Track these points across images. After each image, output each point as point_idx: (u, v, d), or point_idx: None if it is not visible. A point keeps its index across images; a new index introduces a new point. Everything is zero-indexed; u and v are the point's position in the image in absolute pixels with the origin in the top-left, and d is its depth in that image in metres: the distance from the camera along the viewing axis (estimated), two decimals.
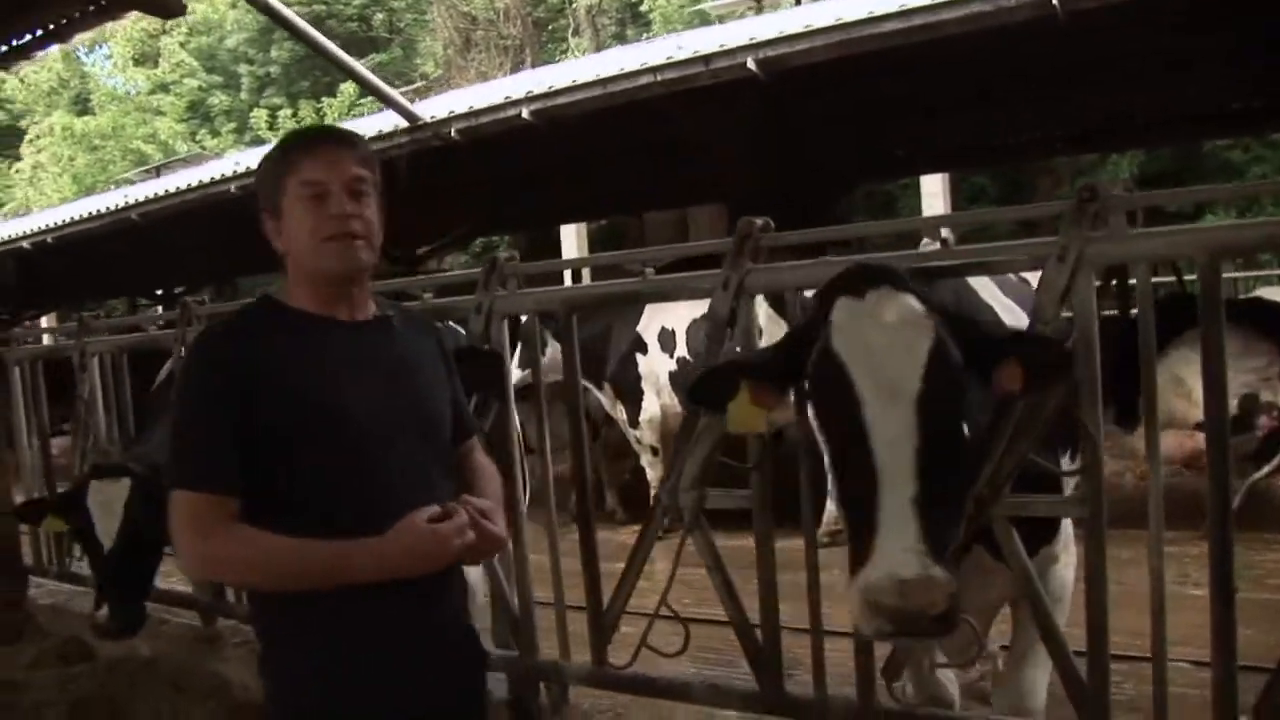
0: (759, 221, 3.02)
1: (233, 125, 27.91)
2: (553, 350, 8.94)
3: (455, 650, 2.40)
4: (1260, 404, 7.64)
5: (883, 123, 8.99)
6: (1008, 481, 2.72)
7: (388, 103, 8.97)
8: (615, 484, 9.47)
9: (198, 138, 27.67)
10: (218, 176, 10.76)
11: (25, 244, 13.35)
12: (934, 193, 14.98)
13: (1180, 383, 7.84)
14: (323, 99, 25.97)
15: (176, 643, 5.28)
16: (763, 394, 2.58)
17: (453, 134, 8.73)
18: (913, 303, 2.35)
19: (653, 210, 13.95)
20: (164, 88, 29.59)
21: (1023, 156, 11.74)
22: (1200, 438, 7.80)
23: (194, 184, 11.01)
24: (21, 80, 30.91)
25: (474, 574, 3.99)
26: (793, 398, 2.64)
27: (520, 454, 3.78)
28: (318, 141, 2.34)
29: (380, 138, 9.33)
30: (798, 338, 2.56)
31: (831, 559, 3.03)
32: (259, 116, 26.04)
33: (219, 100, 28.94)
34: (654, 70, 7.71)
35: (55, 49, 29.12)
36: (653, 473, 7.99)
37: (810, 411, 2.50)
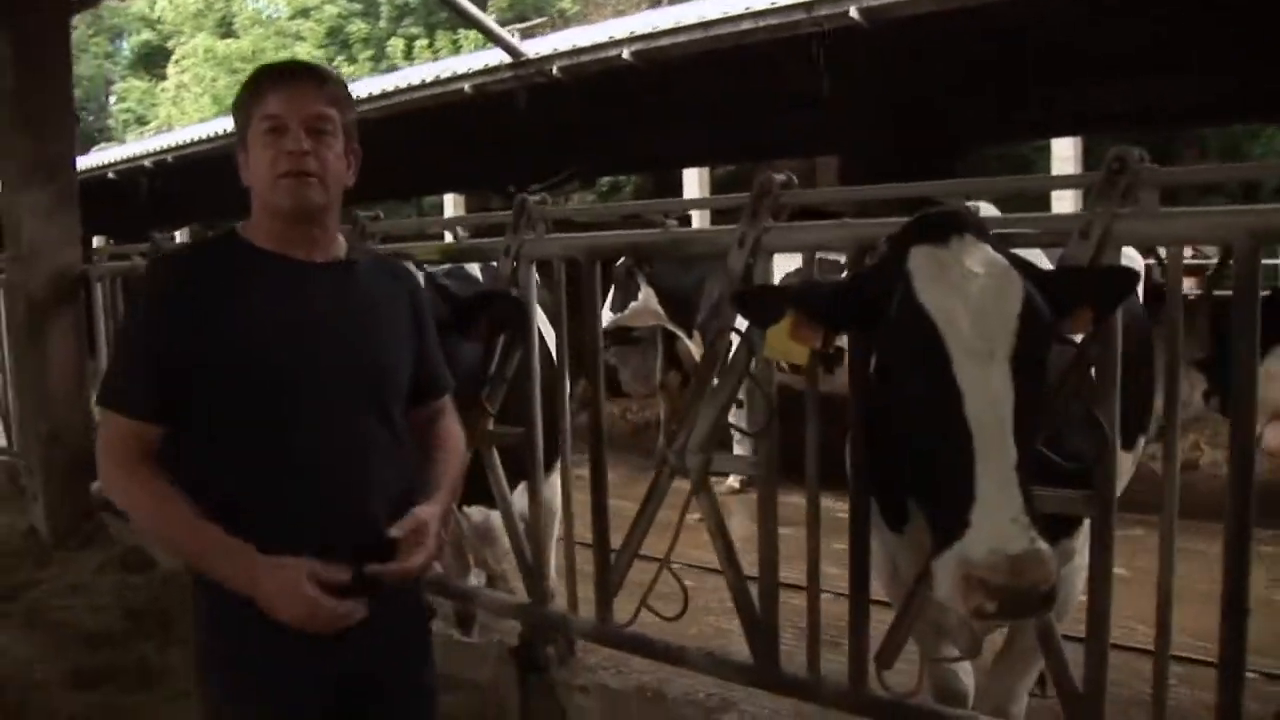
0: (779, 177, 2.88)
1: (370, 53, 28.25)
2: (645, 295, 9.00)
3: (393, 616, 2.33)
4: None
5: (997, 81, 8.59)
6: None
7: (491, 37, 8.96)
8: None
9: (335, 64, 28.10)
10: None
11: (147, 163, 13.71)
12: (1065, 157, 14.39)
13: None
14: (459, 30, 26.09)
15: None
16: (805, 329, 2.41)
17: (554, 71, 8.66)
18: (993, 252, 2.22)
19: (764, 159, 13.69)
20: (304, 13, 30.07)
21: (1162, 125, 11.11)
22: None
23: None
24: (171, 1, 31.82)
25: (496, 519, 3.97)
26: (846, 345, 2.54)
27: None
28: (284, 76, 2.28)
29: (485, 71, 9.33)
30: (860, 283, 2.43)
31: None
32: (395, 45, 26.35)
33: (357, 28, 29.29)
34: (755, 15, 7.51)
35: None
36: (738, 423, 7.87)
37: (882, 365, 2.38)
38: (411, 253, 3.65)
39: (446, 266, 4.12)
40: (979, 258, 2.18)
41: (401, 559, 2.22)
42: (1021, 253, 2.73)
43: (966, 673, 3.37)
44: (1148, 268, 9.15)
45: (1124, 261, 3.54)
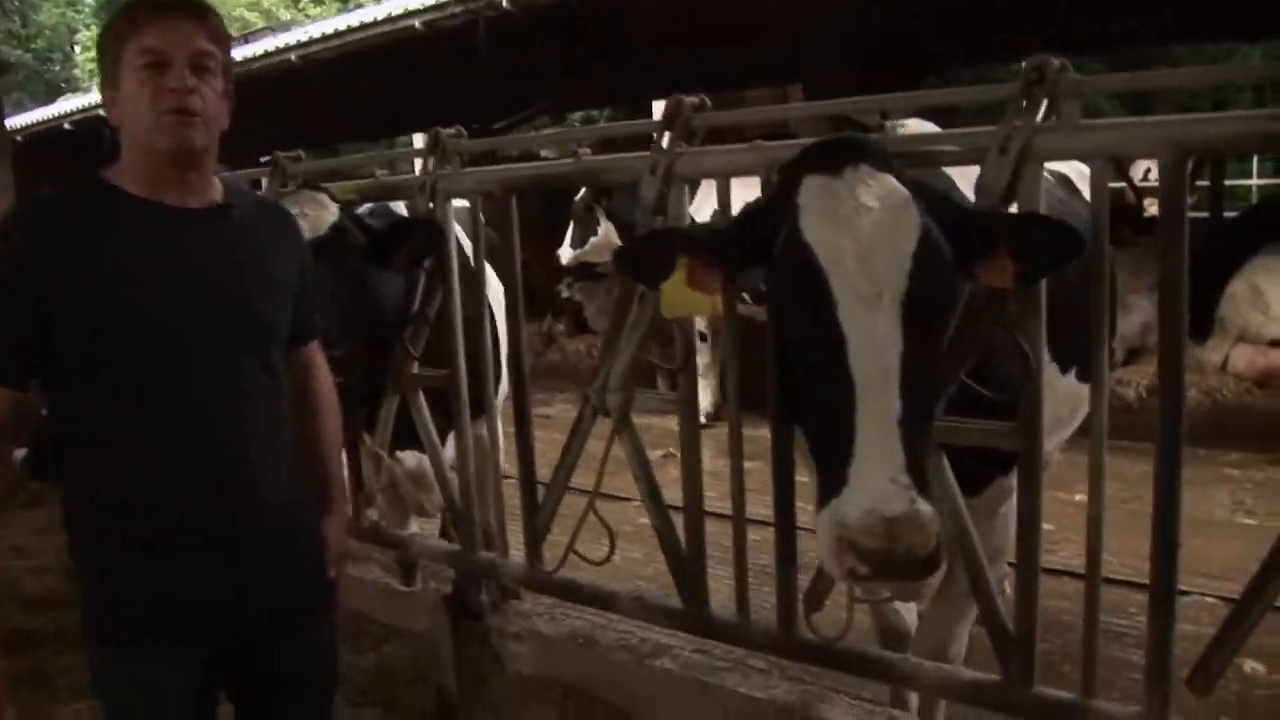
0: (691, 100, 2.72)
1: None
2: (605, 229, 8.87)
3: (264, 549, 2.26)
4: None
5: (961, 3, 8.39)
6: (940, 400, 2.41)
7: None
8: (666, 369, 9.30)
9: (300, 5, 27.62)
10: (281, 45, 10.67)
11: (102, 112, 13.34)
12: None
13: (1258, 293, 7.36)
14: None
15: None
16: (702, 276, 2.25)
17: (505, 4, 8.43)
18: (894, 183, 2.02)
19: (728, 90, 13.50)
20: None
21: (1135, 44, 10.82)
22: (1274, 355, 7.32)
23: (257, 53, 10.91)
24: None
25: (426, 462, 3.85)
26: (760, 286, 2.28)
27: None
28: (163, 8, 2.13)
29: (435, 7, 9.11)
30: (756, 216, 2.22)
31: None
32: None
33: None
34: None
35: None
36: (699, 359, 7.73)
37: (771, 306, 2.18)
38: (329, 190, 3.49)
39: (369, 206, 3.97)
40: (875, 190, 1.99)
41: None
42: (957, 173, 2.59)
43: (909, 610, 3.29)
44: (1118, 191, 9.07)
45: (1072, 176, 3.40)
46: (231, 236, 2.23)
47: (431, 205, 3.36)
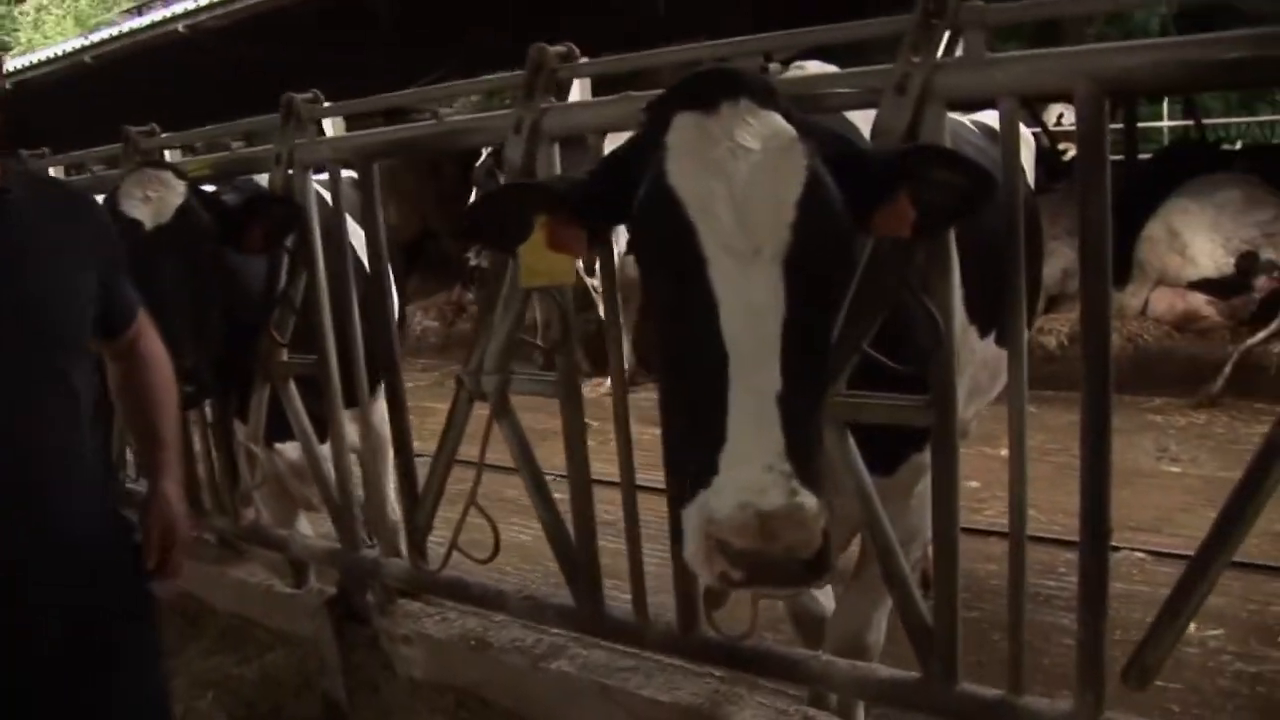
0: (557, 49, 2.43)
1: None
2: None
3: (57, 580, 1.97)
4: (1260, 263, 7.01)
5: None
6: (842, 372, 2.17)
7: None
8: (579, 336, 9.07)
9: None
10: (168, 15, 10.14)
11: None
12: None
13: (1174, 236, 7.26)
14: None
15: None
16: (564, 236, 1.96)
17: None
18: (780, 121, 1.75)
19: (645, 48, 13.25)
20: None
21: None
22: (1193, 298, 7.24)
23: (143, 25, 10.38)
24: None
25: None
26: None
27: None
28: None
29: None
30: (621, 162, 1.92)
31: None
32: None
33: None
34: None
35: None
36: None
37: (640, 268, 1.86)
38: (175, 167, 3.18)
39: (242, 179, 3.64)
40: (756, 129, 1.72)
41: (161, 572, 2.16)
42: (864, 123, 2.32)
43: (825, 593, 3.06)
44: (1038, 135, 8.94)
45: (988, 121, 3.16)
46: (10, 226, 1.94)
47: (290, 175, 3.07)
